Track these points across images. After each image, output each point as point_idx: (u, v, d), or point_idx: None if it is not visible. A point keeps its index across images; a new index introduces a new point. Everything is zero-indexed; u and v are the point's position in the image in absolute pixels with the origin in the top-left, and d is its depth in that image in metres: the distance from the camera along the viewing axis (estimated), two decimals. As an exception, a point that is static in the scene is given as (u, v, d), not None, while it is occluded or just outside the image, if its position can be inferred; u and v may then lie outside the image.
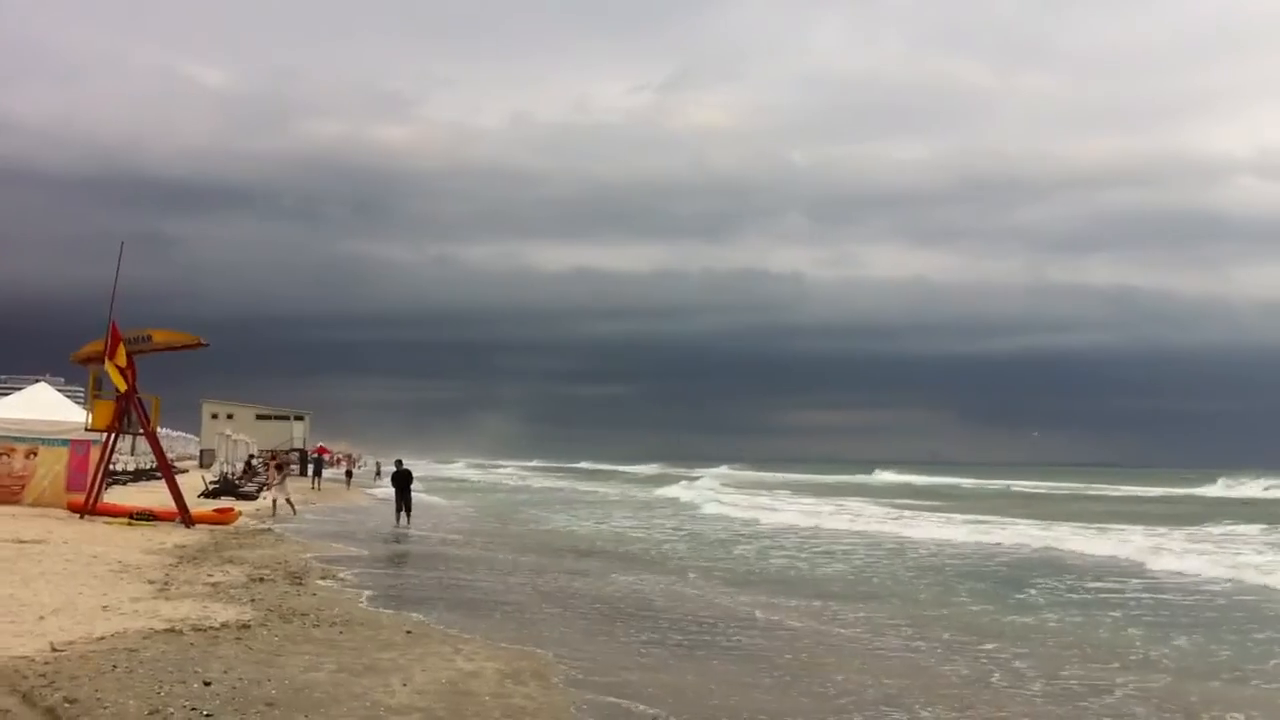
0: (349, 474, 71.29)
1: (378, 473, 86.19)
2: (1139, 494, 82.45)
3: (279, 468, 38.21)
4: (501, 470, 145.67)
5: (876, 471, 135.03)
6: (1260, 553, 29.60)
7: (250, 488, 46.75)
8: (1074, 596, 21.17)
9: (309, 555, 22.91)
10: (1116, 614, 18.65)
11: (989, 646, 14.95)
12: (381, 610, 15.77)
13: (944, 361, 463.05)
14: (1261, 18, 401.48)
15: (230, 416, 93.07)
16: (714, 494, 64.35)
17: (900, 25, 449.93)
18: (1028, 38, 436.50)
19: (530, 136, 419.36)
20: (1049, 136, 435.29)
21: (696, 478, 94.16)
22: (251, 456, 42.95)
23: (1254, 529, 39.43)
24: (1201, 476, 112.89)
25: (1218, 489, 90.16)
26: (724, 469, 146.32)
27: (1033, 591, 21.72)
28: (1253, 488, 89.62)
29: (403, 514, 34.16)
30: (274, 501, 34.25)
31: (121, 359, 27.35)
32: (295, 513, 33.71)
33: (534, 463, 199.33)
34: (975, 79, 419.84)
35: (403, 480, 35.24)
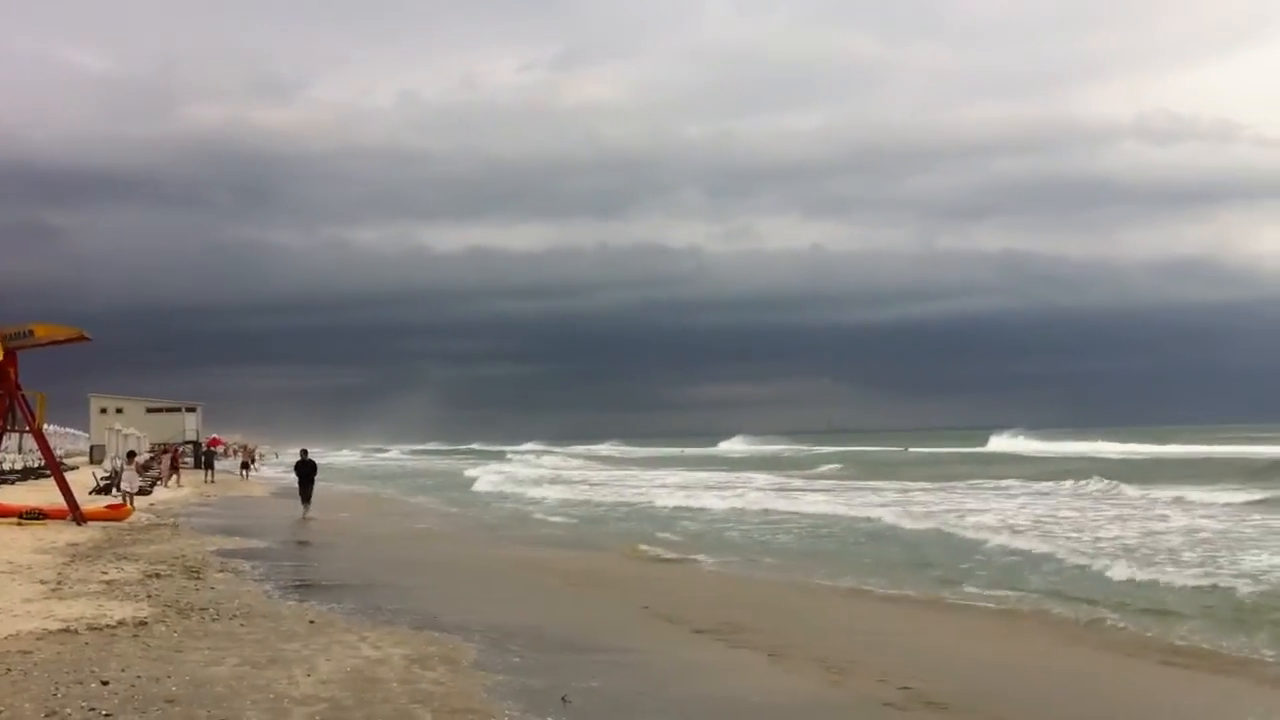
0: (245, 465, 69.83)
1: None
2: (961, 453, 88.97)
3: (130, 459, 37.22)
4: (385, 455, 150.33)
5: (724, 443, 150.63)
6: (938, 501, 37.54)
7: (144, 482, 45.78)
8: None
9: (206, 549, 22.54)
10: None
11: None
12: (283, 601, 15.56)
13: (842, 331, 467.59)
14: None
15: (120, 411, 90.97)
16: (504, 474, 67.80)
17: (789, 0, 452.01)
18: (914, 8, 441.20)
19: (419, 116, 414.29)
20: (937, 106, 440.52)
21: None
22: (131, 453, 41.82)
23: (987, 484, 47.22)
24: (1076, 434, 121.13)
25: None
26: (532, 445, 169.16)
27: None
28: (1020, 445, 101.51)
29: (305, 506, 33.97)
30: (129, 496, 32.68)
31: None
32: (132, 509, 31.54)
33: (428, 445, 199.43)
34: (864, 50, 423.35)
35: (305, 470, 35.12)
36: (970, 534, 26.56)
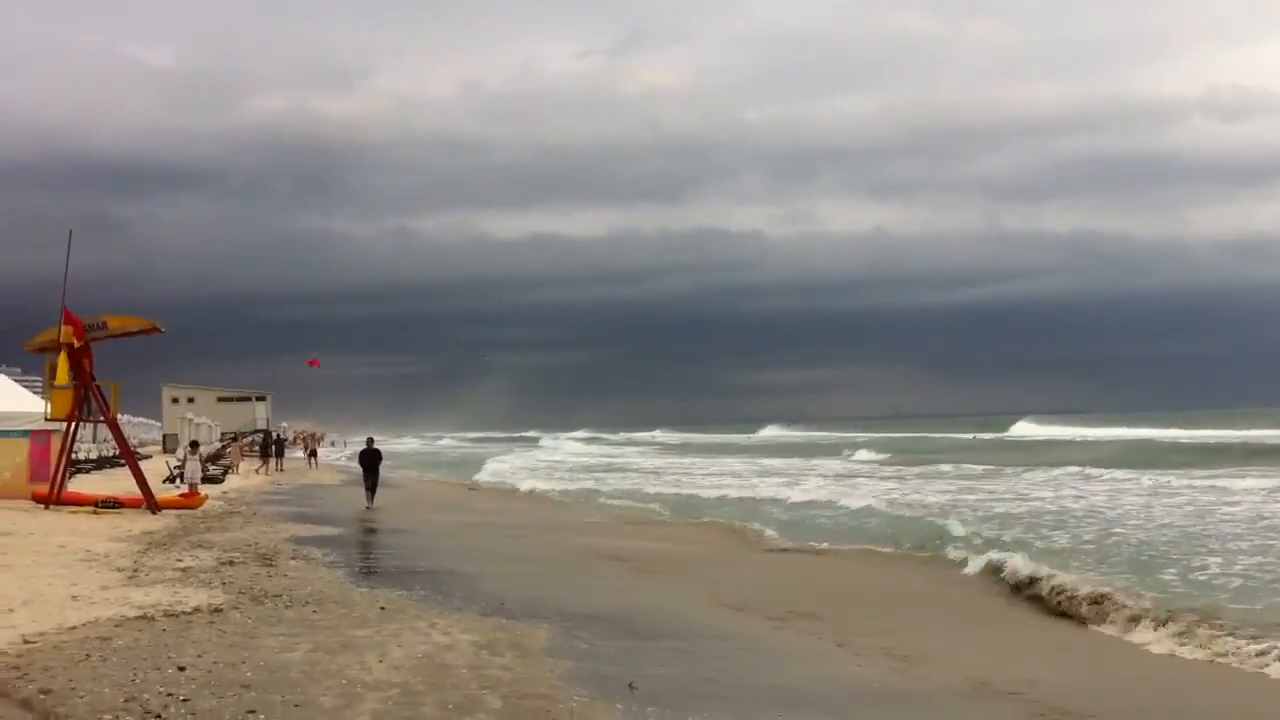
0: (313, 454, 70.34)
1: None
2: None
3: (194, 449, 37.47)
4: (441, 443, 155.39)
5: (768, 429, 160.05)
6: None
7: (216, 471, 46.44)
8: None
9: (279, 536, 22.81)
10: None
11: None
12: (354, 588, 15.74)
13: (905, 315, 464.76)
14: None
15: (191, 400, 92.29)
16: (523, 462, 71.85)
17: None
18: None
19: (479, 104, 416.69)
20: (999, 85, 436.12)
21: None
22: (195, 443, 42.15)
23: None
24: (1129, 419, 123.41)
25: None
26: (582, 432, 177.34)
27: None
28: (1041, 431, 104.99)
29: (369, 494, 32.82)
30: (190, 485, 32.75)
31: (63, 334, 26.97)
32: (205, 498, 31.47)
33: (487, 433, 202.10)
34: (923, 29, 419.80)
35: (370, 460, 33.88)
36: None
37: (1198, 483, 36.51)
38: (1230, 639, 13.22)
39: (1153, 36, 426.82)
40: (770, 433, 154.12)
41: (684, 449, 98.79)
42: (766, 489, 40.69)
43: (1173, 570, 18.72)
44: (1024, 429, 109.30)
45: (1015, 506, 30.80)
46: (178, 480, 35.08)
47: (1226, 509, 28.27)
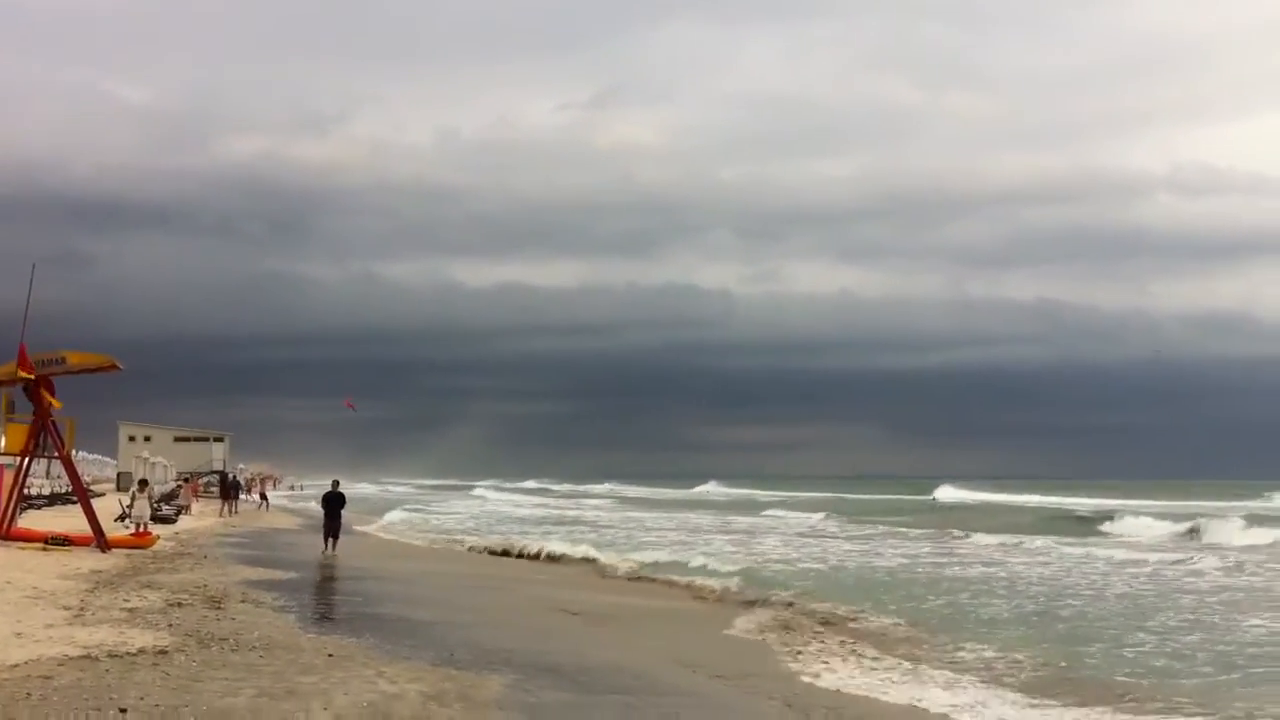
0: (263, 496, 69.82)
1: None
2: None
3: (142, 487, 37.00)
4: (399, 489, 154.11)
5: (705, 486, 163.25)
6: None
7: (169, 511, 45.98)
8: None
9: (229, 579, 22.59)
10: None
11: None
12: (303, 634, 15.60)
13: (870, 377, 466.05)
14: (1170, 41, 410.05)
15: (148, 439, 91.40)
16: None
17: (828, 47, 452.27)
18: (949, 57, 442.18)
19: (455, 153, 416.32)
20: (971, 155, 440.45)
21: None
22: (144, 481, 41.55)
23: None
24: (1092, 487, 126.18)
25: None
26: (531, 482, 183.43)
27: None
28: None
29: (330, 540, 31.98)
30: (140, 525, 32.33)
31: (24, 373, 26.82)
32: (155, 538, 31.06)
33: (444, 480, 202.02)
34: (899, 98, 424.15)
35: (333, 504, 32.74)
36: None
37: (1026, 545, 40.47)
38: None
39: (1120, 113, 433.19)
40: (709, 488, 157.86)
41: (614, 502, 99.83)
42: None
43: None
44: (946, 493, 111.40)
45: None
46: (125, 519, 34.65)
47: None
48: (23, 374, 26.87)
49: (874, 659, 17.07)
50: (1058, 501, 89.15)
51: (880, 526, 55.50)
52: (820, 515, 65.35)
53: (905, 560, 35.03)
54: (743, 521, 62.40)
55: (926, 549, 40.01)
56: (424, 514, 66.08)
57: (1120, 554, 35.63)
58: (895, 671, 16.14)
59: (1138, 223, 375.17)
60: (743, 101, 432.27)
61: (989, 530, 48.07)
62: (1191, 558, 34.00)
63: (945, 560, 34.97)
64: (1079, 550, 37.11)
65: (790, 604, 22.76)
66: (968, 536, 45.15)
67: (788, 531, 51.52)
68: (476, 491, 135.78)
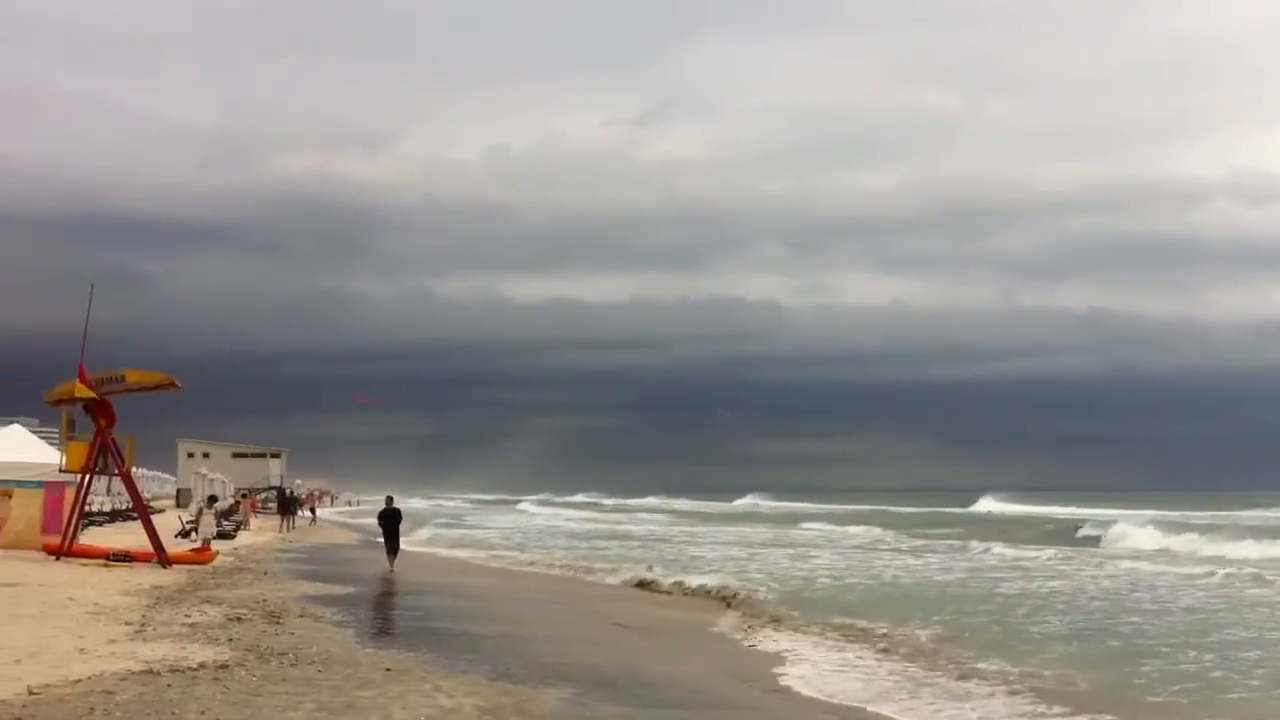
0: (312, 511, 69.91)
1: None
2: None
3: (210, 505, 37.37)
4: (449, 503, 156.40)
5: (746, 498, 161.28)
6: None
7: (228, 527, 46.41)
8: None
9: (288, 594, 22.77)
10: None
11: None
12: (361, 648, 15.69)
13: (920, 388, 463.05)
14: (1227, 41, 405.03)
15: (206, 455, 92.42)
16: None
17: (870, 57, 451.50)
18: (996, 66, 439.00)
19: (503, 170, 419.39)
20: (1019, 162, 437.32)
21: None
22: (212, 498, 41.92)
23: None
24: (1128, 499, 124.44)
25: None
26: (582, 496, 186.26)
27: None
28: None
29: (391, 557, 31.89)
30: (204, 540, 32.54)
31: (83, 392, 27.22)
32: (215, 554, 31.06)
33: (495, 495, 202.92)
34: (944, 106, 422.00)
35: (389, 520, 32.71)
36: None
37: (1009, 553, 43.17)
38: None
39: (1174, 119, 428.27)
40: (747, 501, 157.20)
41: (669, 516, 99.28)
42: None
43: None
44: (987, 505, 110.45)
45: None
46: (192, 534, 34.98)
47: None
48: (80, 393, 27.26)
49: (921, 670, 16.90)
50: (1109, 513, 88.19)
51: (929, 540, 55.09)
52: (862, 528, 65.55)
53: (959, 574, 34.92)
54: (788, 535, 62.51)
55: (977, 563, 39.79)
56: (459, 530, 66.22)
57: (1182, 569, 35.01)
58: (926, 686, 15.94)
59: (1190, 230, 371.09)
60: (785, 114, 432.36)
61: (1031, 542, 48.51)
62: (1257, 572, 33.43)
63: (1000, 574, 34.77)
64: (1136, 564, 36.72)
65: (840, 625, 22.24)
66: (987, 550, 45.07)
67: (837, 546, 51.34)
68: (521, 506, 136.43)
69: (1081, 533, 60.23)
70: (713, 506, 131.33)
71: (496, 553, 45.40)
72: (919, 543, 52.90)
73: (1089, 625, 22.41)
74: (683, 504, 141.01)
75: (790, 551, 46.02)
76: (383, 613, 21.99)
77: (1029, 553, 42.99)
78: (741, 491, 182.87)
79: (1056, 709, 14.08)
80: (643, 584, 31.24)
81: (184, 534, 40.70)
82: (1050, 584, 30.91)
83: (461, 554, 43.94)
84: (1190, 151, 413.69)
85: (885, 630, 21.00)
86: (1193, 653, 18.60)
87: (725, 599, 27.04)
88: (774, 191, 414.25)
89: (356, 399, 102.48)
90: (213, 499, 39.23)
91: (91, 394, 27.28)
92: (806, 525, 74.59)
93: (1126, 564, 37.14)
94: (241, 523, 51.72)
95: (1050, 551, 43.09)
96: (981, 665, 17.28)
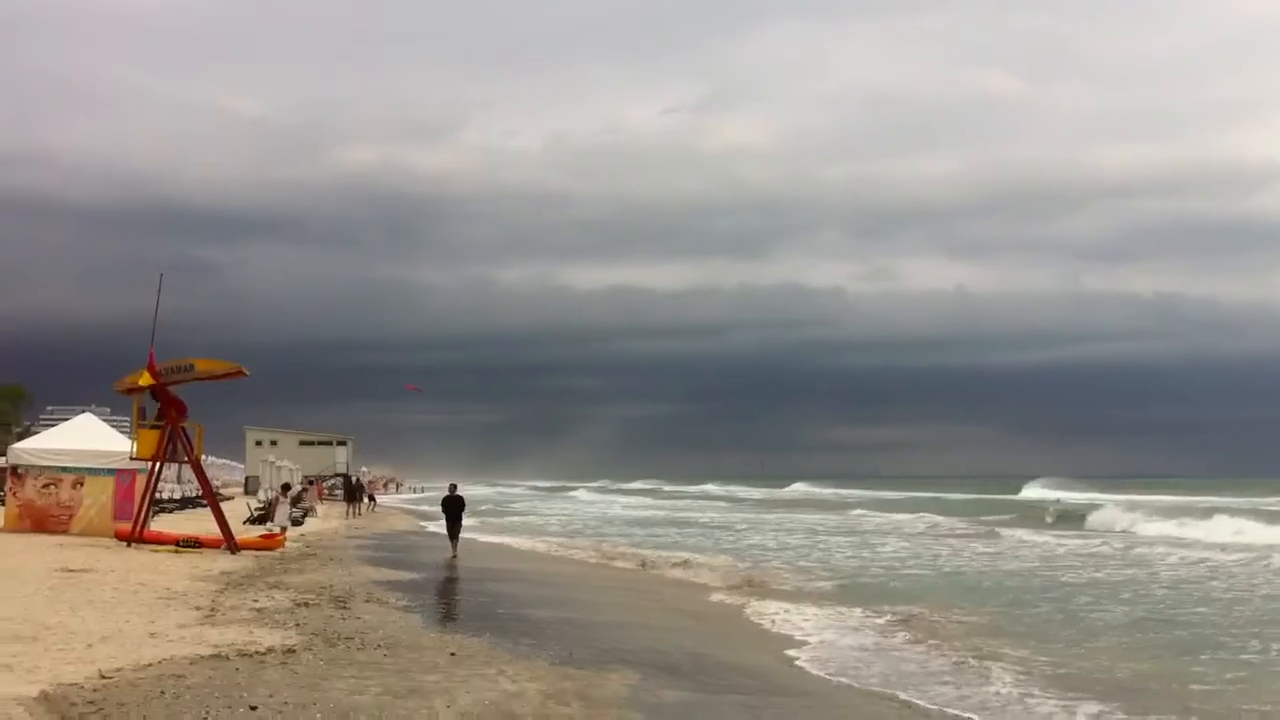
0: (371, 498, 70.07)
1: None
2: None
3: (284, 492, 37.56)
4: (510, 490, 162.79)
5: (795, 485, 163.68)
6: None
7: (296, 513, 46.94)
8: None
9: (354, 580, 23.02)
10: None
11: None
12: (426, 633, 15.84)
13: (985, 373, 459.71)
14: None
15: (274, 443, 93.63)
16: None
17: (931, 41, 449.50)
18: (1058, 50, 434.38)
19: (564, 159, 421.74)
20: (1080, 146, 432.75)
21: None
22: (286, 486, 42.16)
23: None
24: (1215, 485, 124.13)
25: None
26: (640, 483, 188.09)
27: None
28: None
29: (453, 543, 31.89)
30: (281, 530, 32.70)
31: (144, 380, 27.67)
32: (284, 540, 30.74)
33: (554, 482, 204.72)
34: (1007, 91, 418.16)
35: (453, 507, 32.75)
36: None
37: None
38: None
39: (1239, 101, 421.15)
40: (798, 488, 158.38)
41: (728, 504, 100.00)
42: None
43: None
44: (1032, 492, 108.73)
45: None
46: (268, 522, 35.20)
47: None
48: (142, 383, 27.66)
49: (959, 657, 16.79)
50: (1184, 501, 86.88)
51: (990, 527, 54.13)
52: (908, 515, 65.11)
53: (1025, 563, 34.99)
54: (846, 523, 62.47)
55: (1037, 549, 39.65)
56: (511, 517, 66.35)
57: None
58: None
59: (1259, 213, 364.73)
60: (847, 100, 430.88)
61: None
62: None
63: (1064, 564, 34.72)
64: (1203, 554, 36.11)
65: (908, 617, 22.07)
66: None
67: (896, 532, 51.49)
68: (574, 493, 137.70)
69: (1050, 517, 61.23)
70: (761, 493, 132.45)
71: (549, 539, 45.65)
72: (966, 528, 53.00)
73: (1151, 613, 22.22)
74: (738, 490, 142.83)
75: (848, 539, 46.04)
76: (446, 598, 22.17)
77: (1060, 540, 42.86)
78: (802, 478, 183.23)
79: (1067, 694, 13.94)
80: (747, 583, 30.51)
81: (254, 520, 41.29)
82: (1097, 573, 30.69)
83: (512, 540, 44.07)
84: (1259, 134, 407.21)
85: (931, 616, 21.15)
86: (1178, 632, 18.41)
87: (766, 586, 26.97)
88: (836, 178, 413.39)
89: (406, 388, 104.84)
90: (287, 487, 39.57)
91: (152, 381, 27.67)
92: (854, 512, 74.91)
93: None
94: (309, 509, 52.32)
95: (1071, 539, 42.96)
96: (1018, 653, 17.18)
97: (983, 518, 61.69)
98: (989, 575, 30.35)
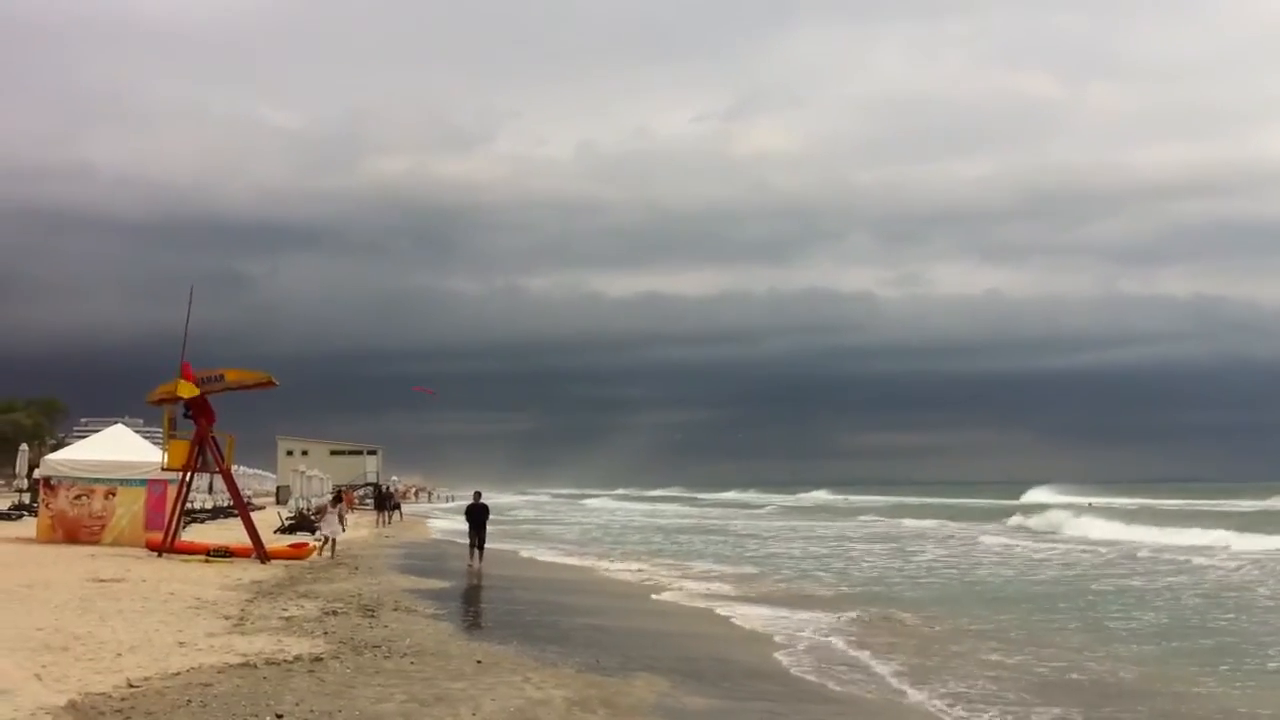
0: (397, 507, 70.27)
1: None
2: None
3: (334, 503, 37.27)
4: (532, 498, 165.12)
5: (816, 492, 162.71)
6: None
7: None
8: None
9: (382, 588, 23.10)
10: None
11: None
12: (453, 640, 15.89)
13: (1020, 378, 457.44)
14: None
15: (305, 453, 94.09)
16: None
17: (961, 44, 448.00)
18: (1093, 51, 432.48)
19: (595, 166, 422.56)
20: (1116, 148, 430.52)
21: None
22: (339, 495, 41.77)
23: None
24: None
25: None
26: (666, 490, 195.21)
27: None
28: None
29: (476, 551, 30.70)
30: (330, 541, 32.63)
31: (185, 390, 27.85)
32: (332, 555, 30.83)
33: (582, 490, 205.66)
34: (1040, 93, 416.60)
35: (477, 515, 31.39)
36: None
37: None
38: None
39: (1275, 101, 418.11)
40: (817, 495, 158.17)
41: (738, 510, 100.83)
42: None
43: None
44: (1036, 495, 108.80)
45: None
46: (316, 532, 34.97)
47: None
48: (185, 391, 27.88)
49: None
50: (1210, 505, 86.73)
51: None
52: (913, 521, 67.72)
53: (1052, 572, 35.13)
54: (885, 530, 62.35)
55: (1058, 557, 39.69)
56: (521, 524, 66.30)
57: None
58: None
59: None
60: (876, 103, 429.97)
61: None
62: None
63: (1089, 570, 34.86)
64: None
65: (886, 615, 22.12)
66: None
67: (935, 538, 51.85)
68: (599, 501, 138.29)
69: (1013, 519, 64.69)
70: (780, 499, 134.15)
71: (570, 545, 45.85)
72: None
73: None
74: (756, 498, 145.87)
75: (877, 547, 46.04)
76: (474, 606, 22.23)
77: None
78: (831, 484, 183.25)
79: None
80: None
81: (285, 529, 41.40)
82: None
83: (534, 547, 44.09)
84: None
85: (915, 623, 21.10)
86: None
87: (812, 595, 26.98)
88: (866, 182, 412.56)
89: (413, 390, 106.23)
90: (339, 496, 39.06)
91: (196, 391, 27.90)
92: (862, 518, 76.48)
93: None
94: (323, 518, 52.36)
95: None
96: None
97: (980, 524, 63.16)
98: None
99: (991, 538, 49.63)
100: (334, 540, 31.43)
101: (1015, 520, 63.70)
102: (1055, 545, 44.20)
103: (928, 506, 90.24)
